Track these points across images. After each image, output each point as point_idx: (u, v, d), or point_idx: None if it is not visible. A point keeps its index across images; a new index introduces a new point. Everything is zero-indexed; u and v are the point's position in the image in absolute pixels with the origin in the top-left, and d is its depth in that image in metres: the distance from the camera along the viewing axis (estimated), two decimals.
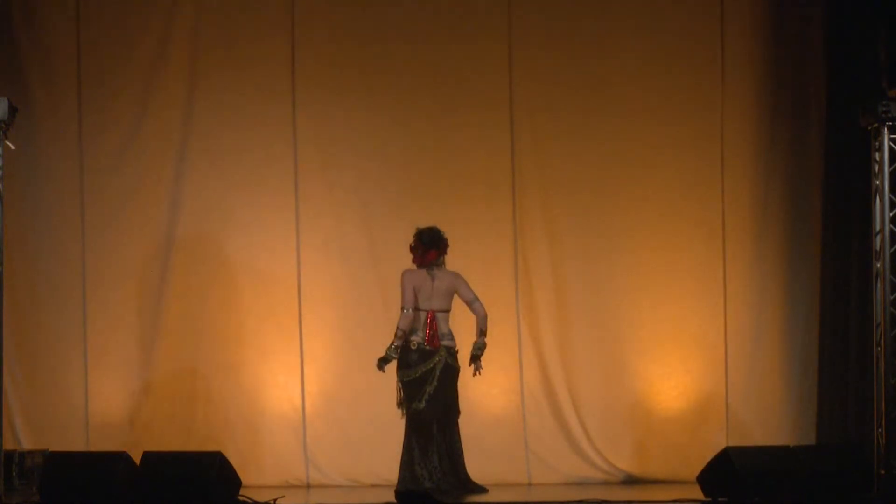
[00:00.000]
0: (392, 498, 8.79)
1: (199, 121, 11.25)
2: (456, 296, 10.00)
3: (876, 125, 9.62)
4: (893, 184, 9.69)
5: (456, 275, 9.99)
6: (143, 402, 11.10)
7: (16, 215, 10.76)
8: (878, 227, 9.74)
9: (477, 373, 9.95)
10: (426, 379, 9.81)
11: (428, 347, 9.83)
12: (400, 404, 9.90)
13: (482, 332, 9.95)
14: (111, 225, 11.21)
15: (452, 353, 9.91)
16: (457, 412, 9.92)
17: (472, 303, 9.97)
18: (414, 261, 9.99)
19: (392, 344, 9.83)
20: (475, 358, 9.93)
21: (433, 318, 9.86)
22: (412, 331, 9.88)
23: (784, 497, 8.96)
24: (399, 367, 9.88)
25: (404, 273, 9.93)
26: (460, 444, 9.90)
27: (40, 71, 11.22)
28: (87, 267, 11.18)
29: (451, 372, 9.89)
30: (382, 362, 9.85)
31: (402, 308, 9.87)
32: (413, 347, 9.85)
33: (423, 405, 9.79)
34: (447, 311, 9.94)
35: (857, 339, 10.63)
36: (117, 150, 11.24)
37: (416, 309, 9.90)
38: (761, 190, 11.22)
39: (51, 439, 10.82)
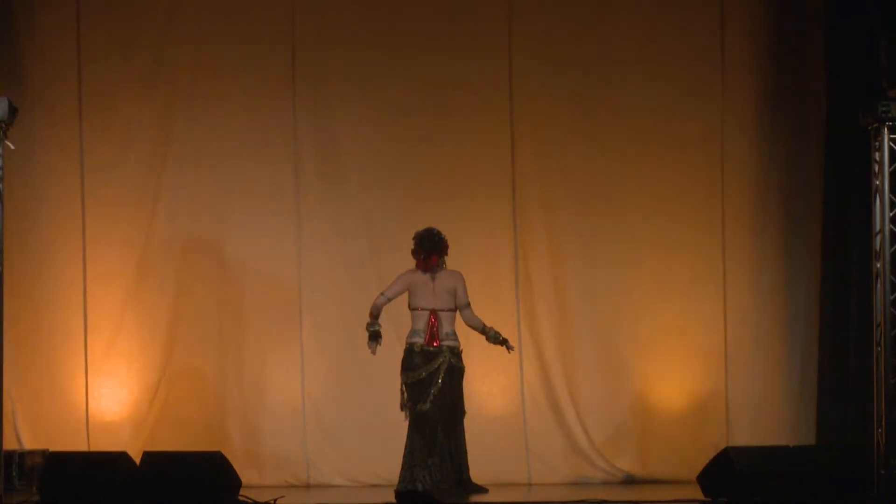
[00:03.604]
0: (392, 498, 8.80)
1: (199, 120, 11.25)
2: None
3: (876, 125, 9.62)
4: (893, 184, 9.69)
5: (458, 275, 9.99)
6: (143, 402, 11.10)
7: (16, 215, 10.75)
8: (878, 227, 9.74)
9: (510, 349, 10.04)
10: (431, 380, 9.81)
11: (431, 348, 9.83)
12: (404, 406, 9.89)
13: (484, 329, 9.98)
14: (111, 225, 11.21)
15: (456, 352, 9.91)
16: (462, 412, 9.93)
17: (464, 308, 9.96)
18: (417, 265, 9.98)
19: (367, 322, 9.86)
20: (503, 341, 9.95)
21: (435, 318, 9.86)
22: (415, 332, 9.88)
23: (784, 497, 8.96)
24: (403, 370, 9.88)
25: (406, 272, 9.94)
26: (465, 445, 9.90)
27: (40, 71, 11.22)
28: (87, 267, 11.18)
29: (456, 372, 9.89)
30: (372, 342, 9.85)
31: (383, 292, 9.89)
32: (416, 350, 9.85)
33: (427, 406, 9.78)
34: (451, 310, 9.93)
35: (857, 339, 10.63)
36: (117, 150, 11.24)
37: (418, 309, 9.90)
38: (761, 190, 11.22)
39: (51, 439, 10.83)
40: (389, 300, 9.93)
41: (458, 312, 9.94)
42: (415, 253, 9.98)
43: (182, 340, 11.17)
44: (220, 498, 8.95)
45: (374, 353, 9.92)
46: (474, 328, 10.02)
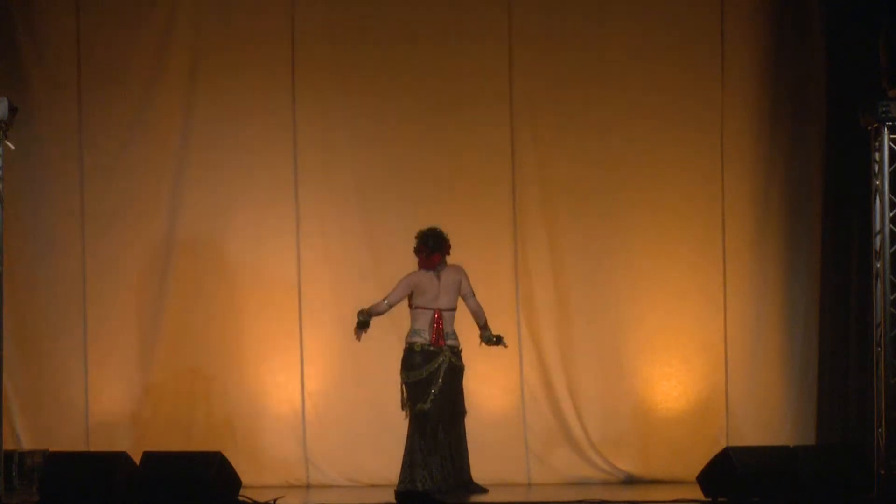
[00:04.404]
0: (392, 498, 8.80)
1: (198, 121, 11.26)
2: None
3: (876, 125, 9.62)
4: (893, 184, 9.69)
5: (460, 269, 10.02)
6: (143, 402, 11.11)
7: (16, 215, 10.76)
8: (878, 227, 9.74)
9: (505, 345, 10.07)
10: (431, 380, 9.81)
11: (432, 348, 9.84)
12: (404, 405, 9.89)
13: (483, 326, 9.99)
14: (111, 225, 11.21)
15: (457, 352, 9.92)
16: (463, 412, 9.94)
17: (468, 297, 10.00)
18: (420, 264, 9.99)
19: (361, 310, 9.88)
20: (497, 340, 9.97)
21: (440, 318, 9.86)
22: (416, 332, 9.87)
23: (784, 497, 8.97)
24: (403, 369, 9.88)
25: (411, 273, 9.95)
26: (465, 445, 9.91)
27: (40, 71, 11.22)
28: (87, 267, 11.18)
29: (456, 371, 9.90)
30: (360, 330, 9.86)
31: (386, 298, 9.89)
32: (417, 349, 9.85)
33: (428, 406, 9.79)
34: (454, 309, 9.94)
35: (857, 339, 10.64)
36: (117, 150, 11.25)
37: (421, 308, 9.90)
38: (761, 190, 11.22)
39: (51, 439, 10.82)
40: (391, 307, 9.93)
41: (457, 310, 9.95)
42: (417, 251, 9.99)
43: (182, 340, 11.16)
44: (220, 498, 8.95)
45: (358, 339, 9.90)
46: (477, 318, 10.02)
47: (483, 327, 10.05)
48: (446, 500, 8.96)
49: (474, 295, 10.03)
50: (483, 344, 10.07)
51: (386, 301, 9.92)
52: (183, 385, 11.13)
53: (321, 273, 11.22)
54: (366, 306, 9.95)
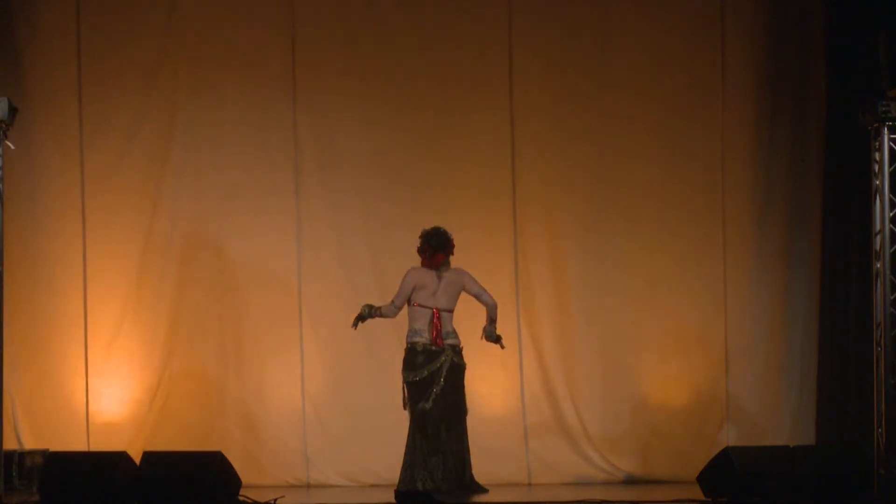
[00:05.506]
0: (392, 498, 8.80)
1: (199, 120, 11.25)
2: (462, 291, 10.01)
3: (876, 125, 9.63)
4: (893, 184, 9.69)
5: (461, 271, 10.00)
6: (143, 402, 11.10)
7: (16, 215, 10.76)
8: (878, 227, 9.74)
9: (503, 346, 10.03)
10: (433, 379, 9.81)
11: (433, 347, 9.83)
12: (405, 405, 9.88)
13: (492, 321, 9.98)
14: (111, 225, 11.21)
15: (458, 350, 9.92)
16: (464, 410, 9.93)
17: (481, 295, 9.99)
18: (423, 263, 9.98)
19: (367, 304, 9.90)
20: (497, 339, 9.96)
21: (438, 317, 9.86)
22: (416, 332, 9.86)
23: (784, 497, 8.97)
24: (404, 368, 9.88)
25: (411, 269, 9.94)
26: (467, 444, 9.90)
27: (40, 71, 11.22)
28: (87, 267, 11.18)
29: (458, 370, 9.90)
30: (358, 319, 9.89)
31: (393, 301, 9.89)
32: (419, 349, 9.84)
33: (430, 405, 9.78)
34: (451, 310, 9.94)
35: (857, 339, 10.64)
36: (117, 150, 11.25)
37: (419, 306, 9.89)
38: (761, 190, 11.23)
39: (51, 439, 10.82)
40: (399, 309, 9.92)
41: (453, 313, 9.94)
42: (421, 250, 9.98)
43: (182, 340, 11.17)
44: (220, 498, 8.96)
45: (354, 328, 9.92)
46: (490, 312, 9.97)
47: (491, 322, 10.02)
48: (447, 499, 8.96)
49: (485, 291, 10.00)
50: (483, 338, 10.05)
51: (394, 304, 9.91)
52: (183, 385, 11.13)
53: (321, 273, 11.23)
54: (375, 303, 9.95)
